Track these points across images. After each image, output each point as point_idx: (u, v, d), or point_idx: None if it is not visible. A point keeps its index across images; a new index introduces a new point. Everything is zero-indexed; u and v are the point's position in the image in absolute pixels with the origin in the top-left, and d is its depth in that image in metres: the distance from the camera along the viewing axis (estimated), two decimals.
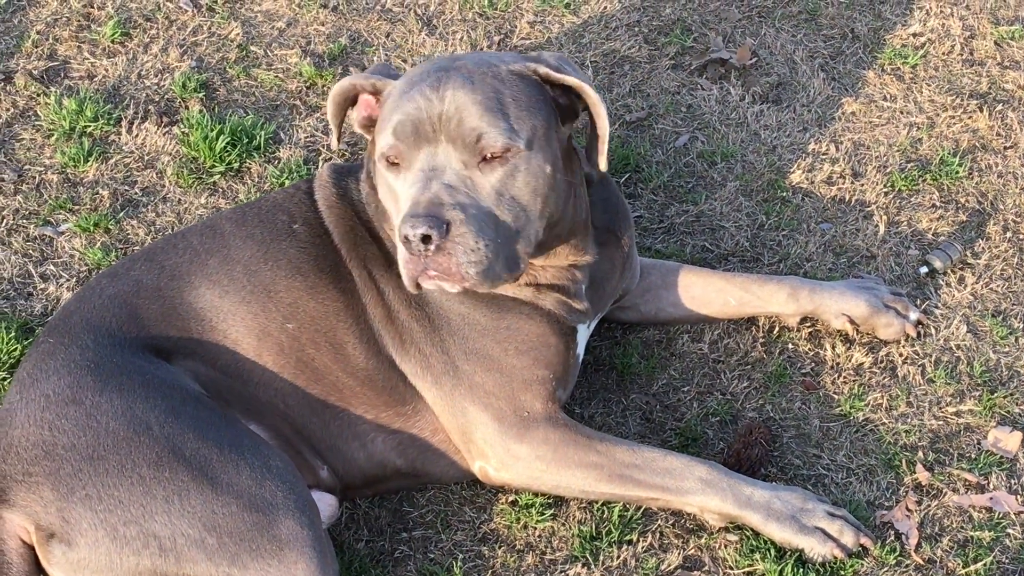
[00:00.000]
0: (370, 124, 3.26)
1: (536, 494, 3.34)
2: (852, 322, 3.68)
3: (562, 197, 3.18)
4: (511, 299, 3.27)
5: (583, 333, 3.41)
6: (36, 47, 4.67)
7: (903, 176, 4.20)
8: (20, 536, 2.86)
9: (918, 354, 3.71)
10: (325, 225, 3.35)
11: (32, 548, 2.87)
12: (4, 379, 3.56)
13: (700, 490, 3.19)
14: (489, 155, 3.00)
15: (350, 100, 3.30)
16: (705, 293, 3.71)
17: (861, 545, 3.20)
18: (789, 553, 3.18)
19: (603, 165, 3.22)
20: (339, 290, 3.27)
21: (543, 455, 3.21)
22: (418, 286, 3.04)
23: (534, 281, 3.29)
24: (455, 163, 3.00)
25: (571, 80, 3.13)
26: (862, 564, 3.18)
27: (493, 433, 3.22)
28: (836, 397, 3.61)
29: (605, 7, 4.89)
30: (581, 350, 3.43)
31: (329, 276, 3.28)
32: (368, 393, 3.26)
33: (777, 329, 3.77)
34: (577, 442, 3.21)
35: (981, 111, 4.45)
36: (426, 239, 2.89)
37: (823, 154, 4.31)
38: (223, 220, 3.39)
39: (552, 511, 3.34)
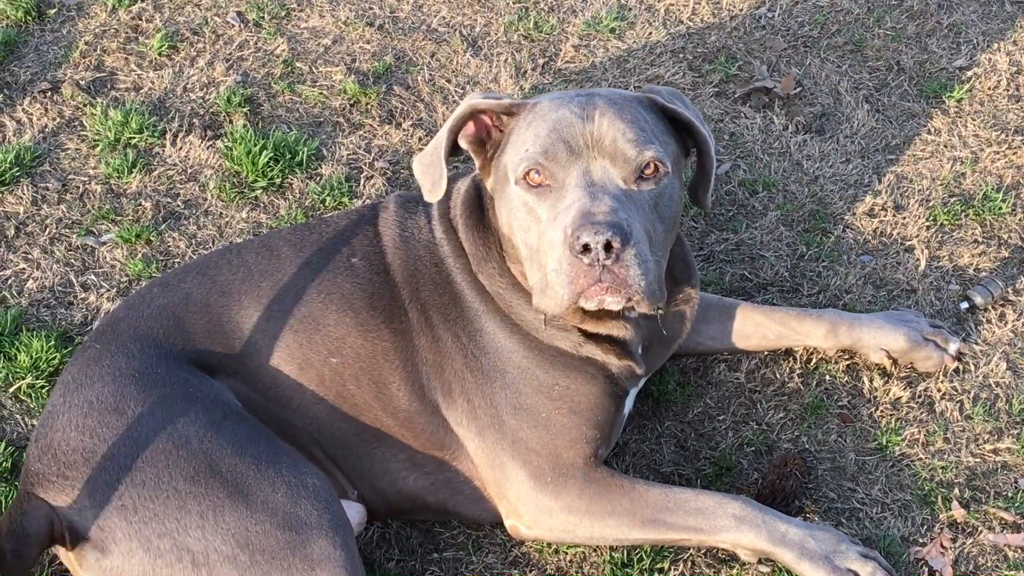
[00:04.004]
0: (480, 143, 3.21)
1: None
2: (890, 357, 3.66)
3: (676, 234, 3.19)
4: (575, 357, 3.22)
5: (632, 392, 3.39)
6: (84, 58, 4.71)
7: (946, 210, 4.18)
8: (50, 520, 2.85)
9: (956, 390, 3.68)
10: (386, 261, 3.30)
11: (48, 535, 2.86)
12: (43, 387, 3.58)
13: (734, 527, 3.15)
14: (647, 172, 2.99)
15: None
16: (743, 327, 3.70)
17: None
18: None
19: (709, 203, 3.31)
20: (390, 330, 3.22)
21: (577, 508, 3.16)
22: (574, 307, 2.97)
23: (596, 330, 3.22)
24: (616, 178, 2.98)
25: (681, 114, 3.15)
26: None
27: (528, 491, 3.17)
28: (872, 431, 3.59)
29: (650, 33, 4.89)
30: (628, 409, 3.40)
31: (381, 315, 3.23)
32: (406, 434, 3.23)
33: (814, 360, 3.75)
34: (611, 491, 3.17)
35: None
36: (608, 247, 2.83)
37: (865, 186, 4.30)
38: (281, 241, 3.36)
39: None
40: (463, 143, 3.19)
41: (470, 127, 3.19)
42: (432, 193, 3.20)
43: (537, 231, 3.02)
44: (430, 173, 3.20)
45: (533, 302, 3.05)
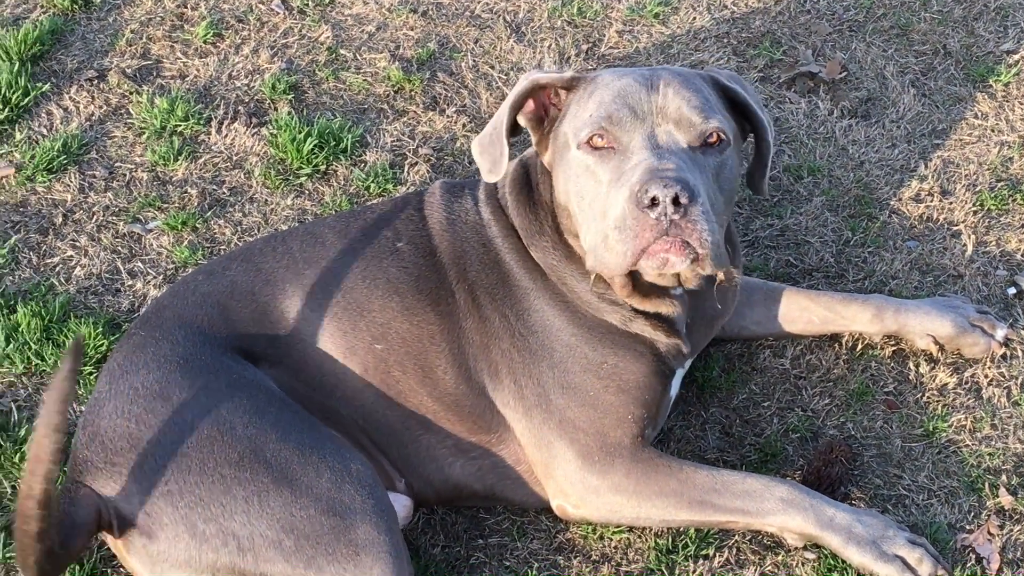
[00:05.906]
0: (538, 119, 3.24)
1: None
2: (937, 342, 3.64)
3: (732, 209, 3.21)
4: (624, 334, 3.22)
5: (679, 373, 3.39)
6: (130, 46, 4.74)
7: (993, 195, 4.15)
8: (97, 508, 2.87)
9: (1003, 376, 3.66)
10: (433, 244, 3.29)
11: (96, 523, 2.88)
12: (91, 374, 3.61)
13: (781, 510, 3.15)
14: (711, 140, 3.02)
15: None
16: (788, 311, 3.68)
17: None
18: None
19: (765, 189, 3.33)
20: (436, 313, 3.22)
21: (624, 488, 3.16)
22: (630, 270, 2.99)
23: (643, 307, 3.22)
24: (681, 142, 3.01)
25: (740, 95, 3.19)
26: None
27: (575, 470, 3.17)
28: (919, 417, 3.57)
29: (694, 18, 4.87)
30: (675, 391, 3.40)
31: (428, 298, 3.23)
32: (452, 418, 3.23)
33: (860, 347, 3.73)
34: (658, 471, 3.16)
35: None
36: (676, 201, 2.84)
37: (911, 171, 4.27)
38: (326, 229, 3.36)
39: None
40: (522, 120, 3.22)
41: (529, 104, 3.22)
42: (492, 173, 3.21)
43: (598, 192, 3.02)
44: (490, 152, 3.21)
45: (587, 264, 3.07)
